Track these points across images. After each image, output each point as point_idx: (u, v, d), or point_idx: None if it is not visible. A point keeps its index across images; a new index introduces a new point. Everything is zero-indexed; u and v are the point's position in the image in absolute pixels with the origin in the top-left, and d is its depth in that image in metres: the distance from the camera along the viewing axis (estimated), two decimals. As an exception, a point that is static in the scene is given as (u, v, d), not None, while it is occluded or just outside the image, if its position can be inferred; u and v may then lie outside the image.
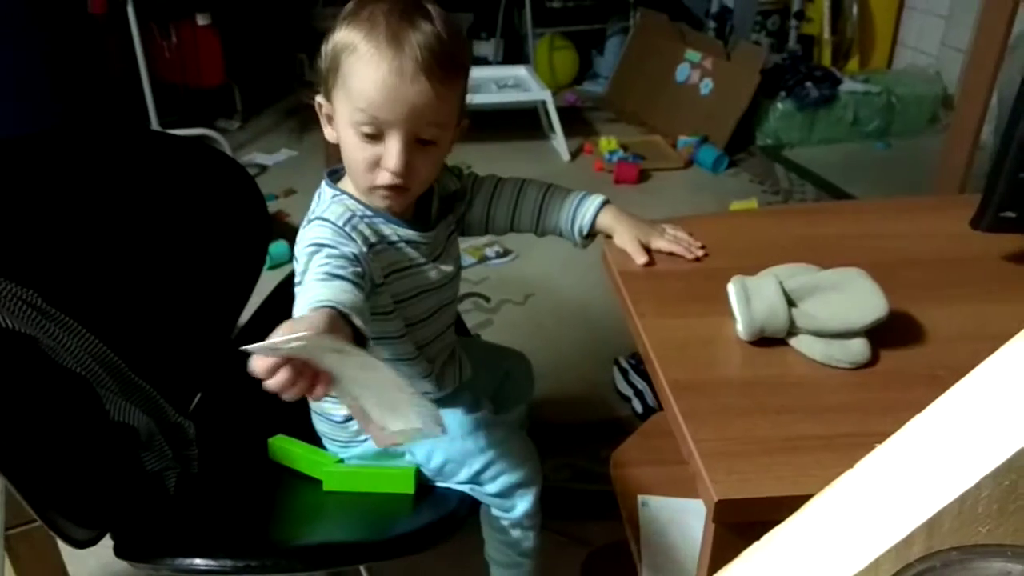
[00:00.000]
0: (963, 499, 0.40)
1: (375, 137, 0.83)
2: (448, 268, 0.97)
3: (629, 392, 1.71)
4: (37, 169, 1.00)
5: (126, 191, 1.05)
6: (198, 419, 1.06)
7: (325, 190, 0.92)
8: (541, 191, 1.03)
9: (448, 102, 0.85)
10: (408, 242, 0.92)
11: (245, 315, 1.20)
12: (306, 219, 0.89)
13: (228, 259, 1.18)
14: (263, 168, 2.82)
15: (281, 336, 0.63)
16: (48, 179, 0.98)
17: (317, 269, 0.79)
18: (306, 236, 0.85)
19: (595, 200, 1.02)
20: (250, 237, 1.22)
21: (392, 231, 0.91)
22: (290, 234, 2.22)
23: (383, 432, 0.74)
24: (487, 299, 2.09)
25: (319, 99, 0.90)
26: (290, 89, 3.44)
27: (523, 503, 0.98)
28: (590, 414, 1.70)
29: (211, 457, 1.02)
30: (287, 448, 1.00)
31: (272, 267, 2.14)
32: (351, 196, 0.90)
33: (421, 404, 0.72)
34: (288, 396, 0.66)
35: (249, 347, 0.62)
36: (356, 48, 0.82)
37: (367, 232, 0.88)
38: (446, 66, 0.82)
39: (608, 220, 1.00)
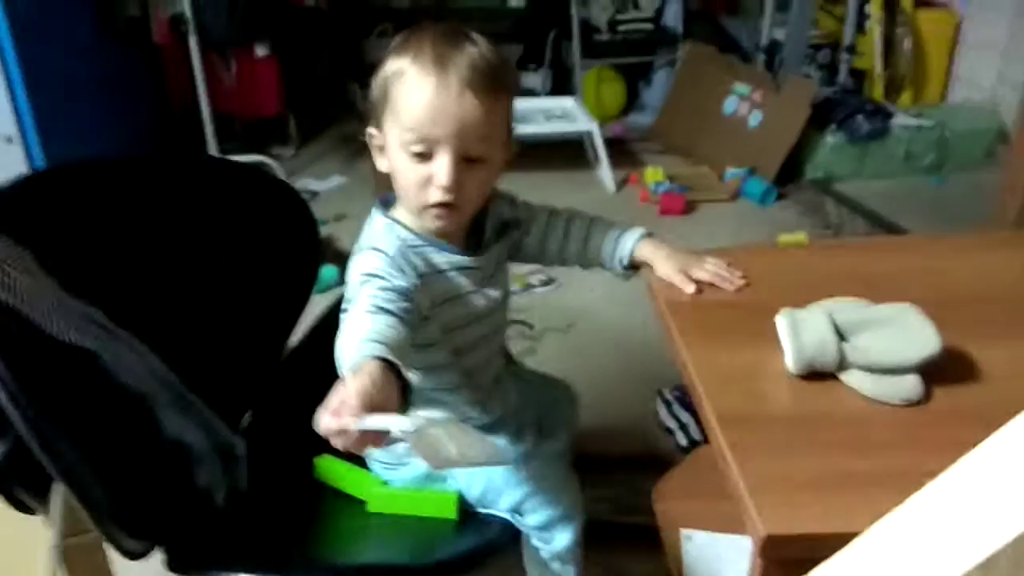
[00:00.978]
0: (1018, 541, 0.40)
1: (425, 156, 0.86)
2: (496, 294, 0.98)
3: (673, 425, 1.69)
4: (103, 194, 1.04)
5: (185, 215, 1.09)
6: (248, 437, 1.08)
7: (377, 218, 0.94)
8: (586, 224, 1.05)
9: (494, 119, 0.87)
10: (459, 269, 0.94)
11: (296, 336, 1.23)
12: (358, 247, 0.92)
13: (280, 282, 1.21)
14: (315, 194, 2.88)
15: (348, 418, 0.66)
16: (114, 204, 1.03)
17: (367, 300, 0.81)
18: (359, 265, 0.87)
19: (636, 231, 1.03)
20: (302, 261, 1.25)
21: (444, 259, 0.93)
22: (340, 258, 2.28)
23: (446, 461, 0.73)
24: (531, 326, 2.09)
25: (370, 130, 0.92)
26: (342, 117, 3.52)
27: (563, 537, 0.98)
28: (632, 446, 1.68)
29: (259, 474, 1.04)
30: (333, 468, 1.02)
31: (322, 290, 2.18)
32: (403, 225, 0.92)
33: (487, 442, 0.73)
34: (356, 451, 0.68)
35: (325, 422, 0.66)
36: (403, 73, 0.85)
37: (418, 262, 0.90)
38: (490, 83, 0.85)
39: (648, 251, 1.01)
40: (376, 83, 0.90)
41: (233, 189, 1.16)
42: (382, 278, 0.84)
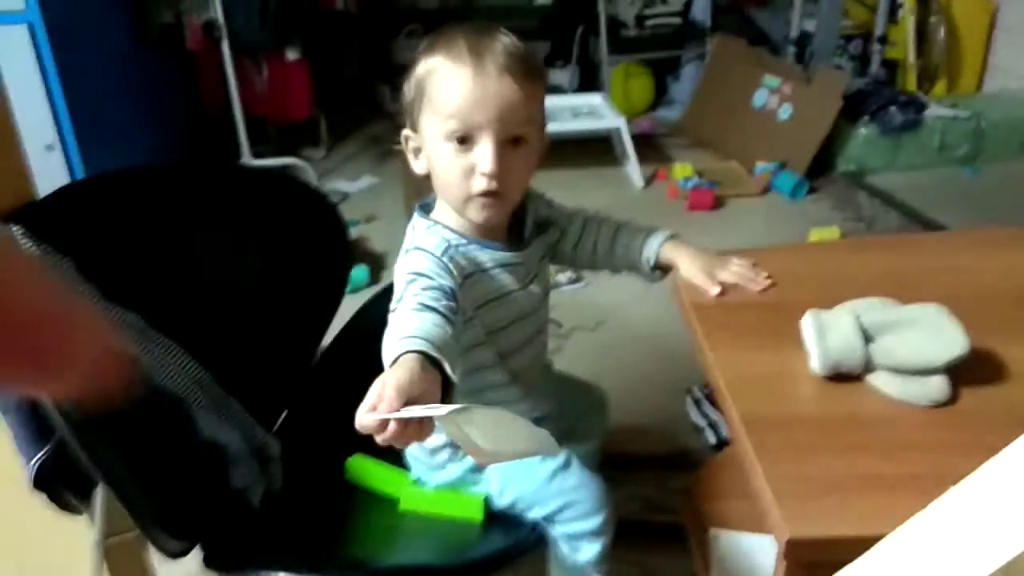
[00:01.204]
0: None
1: (467, 143, 0.86)
2: (538, 291, 0.99)
3: (702, 423, 1.69)
4: (139, 202, 1.08)
5: (218, 221, 1.12)
6: (282, 438, 1.10)
7: (419, 221, 0.95)
8: (613, 229, 1.05)
9: (533, 101, 0.87)
10: (503, 266, 0.94)
11: (327, 338, 1.26)
12: (404, 250, 0.92)
13: (311, 284, 1.23)
14: (345, 195, 2.92)
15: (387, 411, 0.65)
16: (149, 212, 1.06)
17: (413, 299, 0.81)
18: (405, 265, 0.88)
19: (661, 234, 1.03)
20: (332, 263, 1.27)
21: (488, 257, 0.93)
22: (371, 259, 2.32)
23: (495, 457, 0.72)
24: (559, 325, 2.10)
25: (405, 133, 0.93)
26: (372, 119, 3.56)
27: (591, 549, 0.98)
28: (661, 444, 1.68)
29: (293, 475, 1.06)
30: (365, 467, 1.04)
31: (353, 291, 2.21)
32: (445, 226, 0.93)
33: (534, 430, 0.72)
34: (399, 445, 0.68)
35: (364, 418, 0.66)
36: (438, 68, 0.86)
37: (463, 262, 0.91)
38: (527, 68, 0.86)
39: (673, 252, 1.01)
40: (409, 85, 0.90)
41: (263, 195, 1.19)
42: (428, 277, 0.85)
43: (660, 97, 3.74)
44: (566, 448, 1.00)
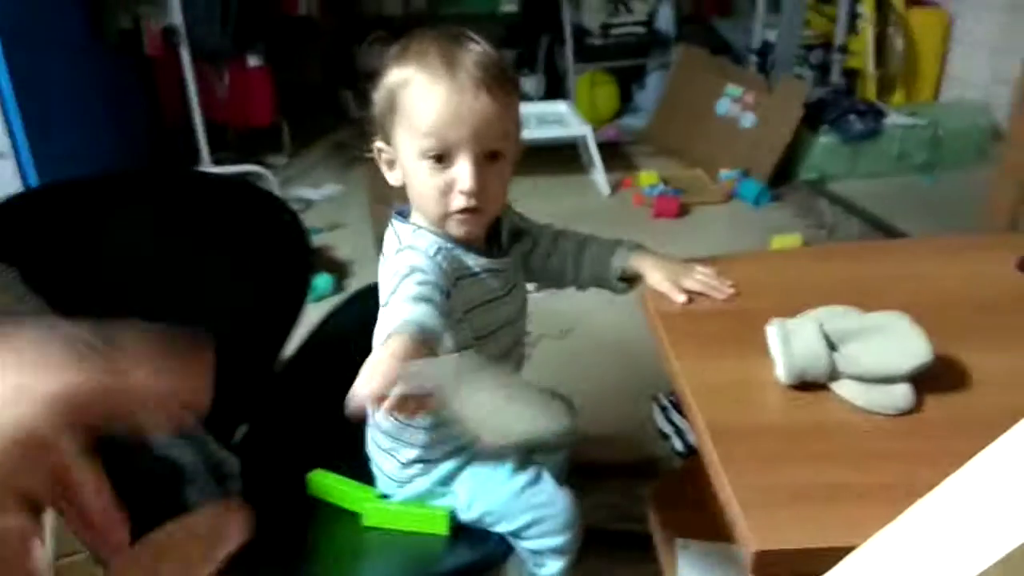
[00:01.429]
0: (1008, 559, 0.39)
1: (444, 161, 0.84)
2: (519, 298, 0.99)
3: (669, 430, 1.69)
4: (90, 212, 1.04)
5: (172, 229, 1.09)
6: (242, 452, 1.07)
7: (401, 227, 0.93)
8: (578, 243, 1.05)
9: (509, 114, 0.87)
10: (489, 271, 0.93)
11: (291, 347, 1.23)
12: (392, 250, 0.90)
13: (272, 294, 1.20)
14: (309, 203, 2.88)
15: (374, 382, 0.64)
16: (100, 221, 1.02)
17: (406, 291, 0.81)
18: (397, 262, 0.86)
19: (627, 245, 1.03)
20: (293, 272, 1.25)
21: (474, 262, 0.92)
22: (335, 268, 2.29)
23: (505, 439, 0.69)
24: (527, 333, 2.09)
25: (378, 145, 0.91)
26: (336, 125, 3.52)
27: (555, 565, 0.98)
28: (629, 452, 1.68)
29: (254, 490, 1.03)
30: (327, 483, 1.01)
31: (316, 299, 2.18)
32: (430, 230, 0.91)
33: (537, 400, 0.69)
34: (402, 415, 0.67)
35: (361, 393, 0.63)
36: (411, 80, 0.84)
37: (453, 265, 0.90)
38: (502, 79, 0.84)
39: (639, 262, 1.00)
40: (380, 95, 0.88)
41: (220, 202, 1.16)
42: (423, 271, 0.84)
43: (625, 105, 3.76)
44: (530, 472, 0.99)
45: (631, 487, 1.55)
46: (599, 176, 2.98)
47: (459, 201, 0.86)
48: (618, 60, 3.68)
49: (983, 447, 0.66)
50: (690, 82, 3.34)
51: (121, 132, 2.85)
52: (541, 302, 2.19)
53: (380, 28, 3.61)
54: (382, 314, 0.80)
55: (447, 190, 0.86)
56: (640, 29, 3.68)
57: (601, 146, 3.01)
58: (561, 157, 3.16)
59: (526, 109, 3.23)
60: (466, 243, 0.92)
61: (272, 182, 2.80)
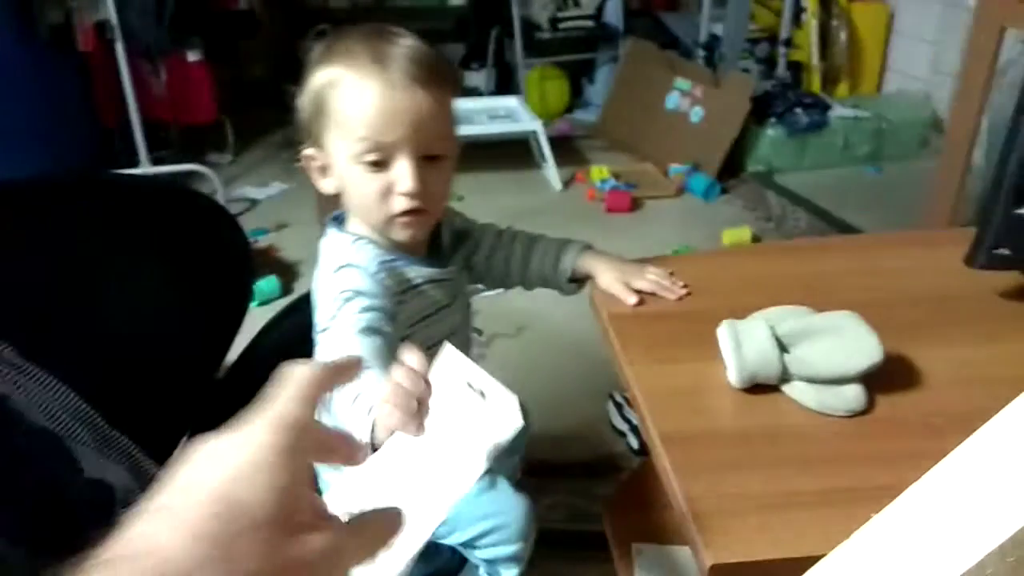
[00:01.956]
0: (981, 565, 0.38)
1: (382, 164, 0.81)
2: (463, 306, 0.96)
3: (624, 427, 1.68)
4: (16, 216, 0.98)
5: (102, 237, 1.03)
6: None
7: (339, 237, 0.88)
8: (526, 243, 1.02)
9: (445, 111, 0.83)
10: (432, 282, 0.90)
11: (234, 354, 1.18)
12: (331, 267, 0.86)
13: (210, 299, 1.15)
14: (254, 202, 2.80)
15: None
16: (21, 230, 0.96)
17: (352, 320, 0.76)
18: (337, 282, 0.82)
19: (575, 245, 1.00)
20: (232, 276, 1.20)
21: (416, 273, 0.89)
22: (281, 269, 2.22)
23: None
24: (479, 332, 2.06)
25: (307, 152, 0.86)
26: (281, 122, 3.43)
27: (510, 573, 0.96)
28: (585, 451, 1.67)
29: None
30: (270, 500, 0.97)
31: (262, 303, 2.12)
32: (369, 240, 0.87)
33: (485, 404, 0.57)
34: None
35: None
36: (340, 80, 0.80)
37: (393, 281, 0.86)
38: (435, 74, 0.80)
39: (589, 263, 0.98)
40: (306, 99, 0.84)
41: (151, 206, 1.11)
42: (365, 295, 0.79)
43: (576, 100, 3.75)
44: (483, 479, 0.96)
45: (588, 486, 1.54)
46: (551, 171, 2.96)
47: (401, 203, 0.82)
48: (567, 54, 3.67)
49: (934, 447, 0.66)
50: (639, 76, 3.34)
51: (58, 133, 2.74)
52: (493, 301, 2.18)
53: (326, 21, 3.55)
54: (324, 340, 0.76)
55: (387, 193, 0.82)
56: (588, 23, 3.67)
57: (552, 141, 2.99)
58: (512, 152, 3.14)
59: (476, 104, 3.21)
60: (408, 252, 0.88)
61: (215, 181, 2.72)
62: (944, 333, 0.85)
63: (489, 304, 2.18)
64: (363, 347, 0.73)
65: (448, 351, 0.56)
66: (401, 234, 0.85)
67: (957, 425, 0.69)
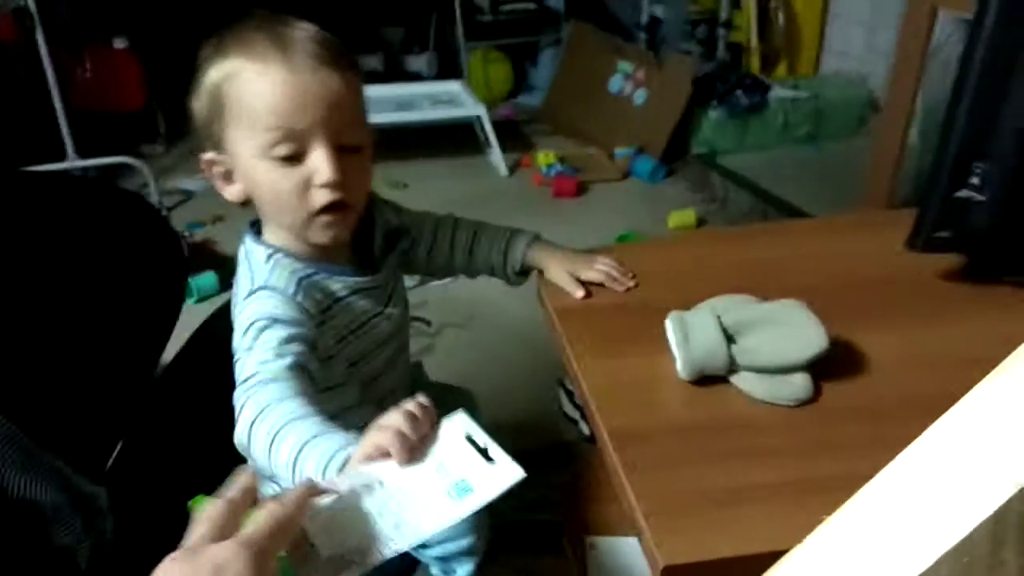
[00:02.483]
0: (956, 551, 0.37)
1: (295, 158, 0.74)
2: (397, 311, 0.90)
3: (576, 414, 1.67)
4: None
5: (19, 239, 0.97)
6: (117, 474, 0.98)
7: (255, 250, 0.81)
8: (471, 231, 0.99)
9: (357, 97, 0.78)
10: (358, 292, 0.84)
11: (171, 351, 1.13)
12: (245, 288, 0.79)
13: (140, 299, 1.10)
14: (189, 194, 2.71)
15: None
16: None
17: (271, 352, 0.70)
18: (253, 309, 0.75)
19: (523, 237, 0.98)
20: (164, 273, 1.15)
21: (341, 285, 0.83)
22: (219, 264, 2.15)
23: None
24: (428, 323, 2.03)
25: (207, 157, 0.79)
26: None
27: (465, 568, 0.94)
28: (537, 439, 1.66)
29: (129, 520, 0.94)
30: (211, 510, 0.93)
31: (201, 299, 2.05)
32: (286, 253, 0.80)
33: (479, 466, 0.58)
34: None
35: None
36: (239, 72, 0.74)
37: (317, 296, 0.80)
38: (340, 54, 0.75)
39: (538, 255, 0.96)
40: (201, 100, 0.77)
41: (73, 204, 1.05)
42: (283, 323, 0.73)
43: (520, 84, 3.72)
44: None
45: (542, 474, 1.52)
46: (496, 157, 2.93)
47: (321, 197, 0.75)
48: (509, 37, 3.63)
49: (881, 433, 0.66)
50: (582, 59, 3.32)
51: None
52: (440, 290, 2.15)
53: (259, 6, 3.44)
54: (241, 371, 0.70)
55: (304, 188, 0.75)
56: (530, 5, 3.65)
57: (496, 126, 2.96)
58: (456, 138, 3.10)
59: (418, 88, 3.16)
60: (331, 261, 0.82)
61: (146, 173, 2.61)
62: (887, 317, 0.85)
63: (438, 294, 2.15)
64: (283, 389, 0.67)
65: (460, 416, 0.58)
66: (323, 235, 0.79)
67: (904, 410, 0.70)
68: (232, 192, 0.80)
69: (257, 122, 0.73)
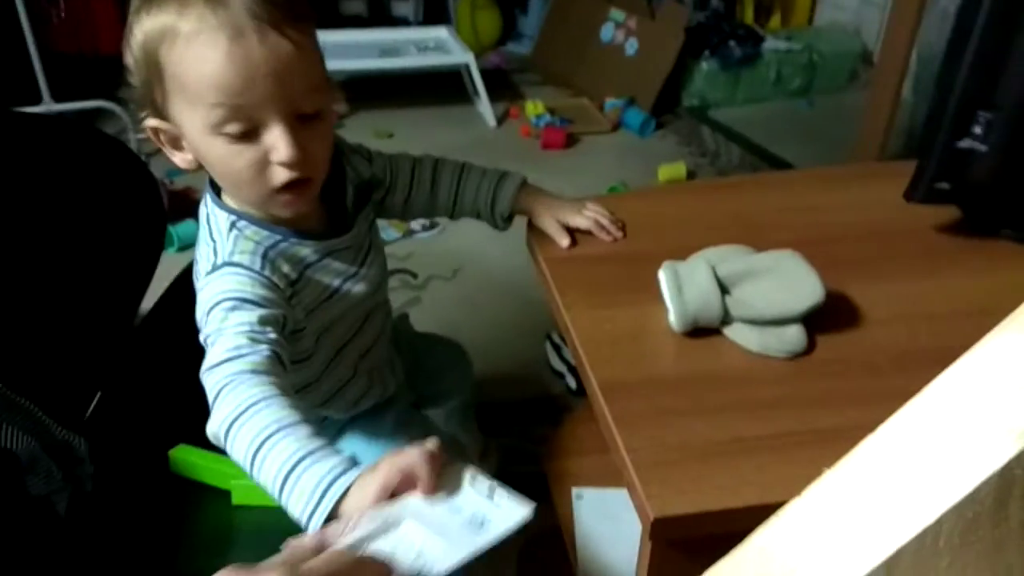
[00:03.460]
0: (923, 536, 0.36)
1: (248, 135, 0.67)
2: (374, 271, 0.85)
3: (563, 368, 1.67)
4: None
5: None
6: (96, 423, 0.97)
7: (217, 215, 0.75)
8: (456, 172, 0.94)
9: (311, 56, 0.69)
10: (331, 254, 0.79)
11: (150, 301, 1.11)
12: (206, 256, 0.74)
13: (119, 246, 1.07)
14: (170, 141, 2.65)
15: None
16: None
17: (240, 338, 0.65)
18: (218, 286, 0.70)
19: (513, 180, 0.94)
20: (142, 220, 1.12)
21: (311, 250, 0.77)
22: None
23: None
24: (414, 275, 2.01)
25: (152, 123, 0.71)
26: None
27: None
28: (523, 392, 1.65)
29: (109, 470, 0.93)
30: (190, 460, 0.92)
31: (181, 248, 2.02)
32: (250, 220, 0.74)
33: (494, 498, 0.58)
34: None
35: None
36: (174, 33, 0.65)
37: (284, 267, 0.74)
38: (287, 7, 0.66)
39: (526, 201, 0.93)
40: (136, 58, 0.68)
41: (49, 145, 1.01)
42: (252, 304, 0.68)
43: (509, 31, 3.64)
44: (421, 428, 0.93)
45: (528, 427, 1.53)
46: (484, 107, 2.87)
47: (280, 175, 0.69)
48: (498, -17, 3.54)
49: (876, 386, 0.65)
50: (573, 7, 3.24)
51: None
52: (430, 242, 2.12)
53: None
54: (210, 350, 0.66)
55: (262, 165, 0.69)
56: (520, -50, 3.54)
57: (485, 74, 2.89)
58: (444, 86, 3.03)
59: (404, 34, 3.08)
60: (297, 226, 0.77)
61: (124, 119, 2.55)
62: (883, 269, 0.84)
63: (424, 246, 2.12)
64: (264, 387, 0.62)
65: (461, 463, 0.58)
66: (284, 211, 0.74)
67: (899, 363, 0.69)
68: (183, 160, 0.73)
69: (200, 96, 0.66)
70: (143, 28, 0.67)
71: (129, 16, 0.69)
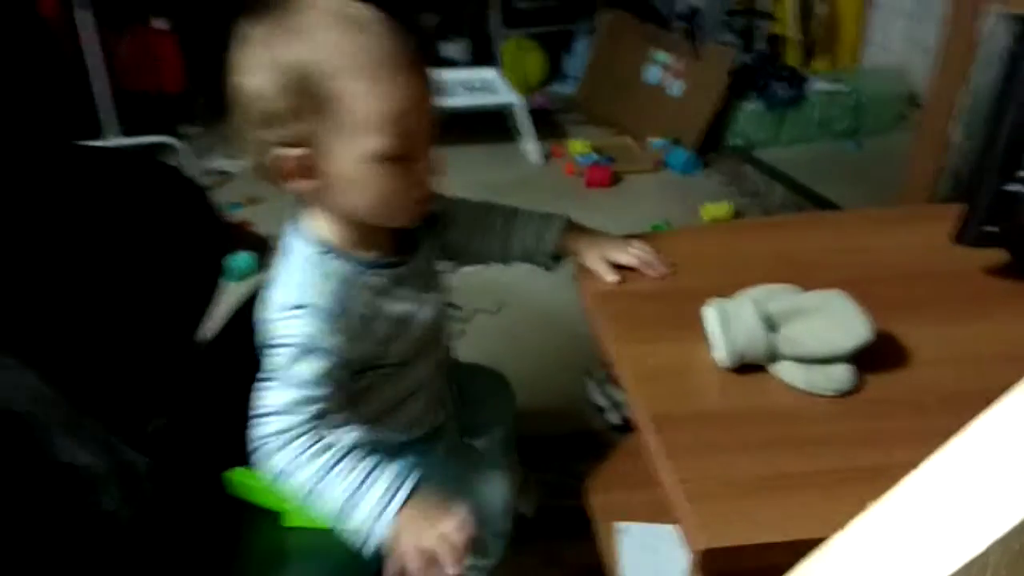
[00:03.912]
0: (969, 567, 0.37)
1: (403, 159, 0.73)
2: (438, 297, 0.90)
3: (604, 403, 1.67)
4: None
5: (64, 211, 1.00)
6: (155, 447, 1.00)
7: (299, 250, 0.78)
8: (506, 217, 0.98)
9: None
10: (399, 284, 0.84)
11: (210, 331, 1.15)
12: (282, 293, 0.77)
13: (181, 272, 1.12)
14: (227, 175, 2.74)
15: None
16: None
17: (311, 390, 0.74)
18: (290, 327, 0.74)
19: (557, 222, 0.96)
20: (202, 250, 1.17)
21: (380, 280, 0.82)
22: (256, 244, 2.18)
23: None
24: (459, 308, 2.04)
25: (292, 153, 0.72)
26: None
27: (495, 551, 0.95)
28: (564, 427, 1.66)
29: (169, 491, 0.96)
30: (248, 482, 0.95)
31: (239, 279, 2.08)
32: (336, 254, 0.79)
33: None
34: None
35: None
36: (340, 69, 0.68)
37: (359, 305, 0.79)
38: (414, 42, 0.74)
39: (572, 240, 0.95)
40: (273, 87, 0.69)
41: (117, 177, 1.07)
42: (321, 351, 0.74)
43: (554, 72, 3.71)
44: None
45: (569, 463, 1.53)
46: (530, 145, 2.93)
47: (423, 191, 0.78)
48: (544, 25, 3.61)
49: (923, 427, 0.65)
50: (617, 48, 3.30)
51: (14, 102, 2.64)
52: (473, 276, 2.15)
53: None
54: (269, 393, 0.75)
55: (410, 184, 0.76)
56: (566, -7, 3.62)
57: (531, 114, 2.95)
58: (490, 125, 3.09)
59: (453, 75, 3.15)
60: (370, 243, 0.82)
61: (185, 153, 2.65)
62: (931, 311, 0.84)
63: (468, 279, 2.15)
64: (319, 467, 0.75)
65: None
66: (409, 220, 0.81)
67: (946, 404, 0.70)
68: (303, 187, 0.75)
69: (375, 128, 0.71)
70: (294, 57, 0.68)
71: (252, 45, 0.71)
